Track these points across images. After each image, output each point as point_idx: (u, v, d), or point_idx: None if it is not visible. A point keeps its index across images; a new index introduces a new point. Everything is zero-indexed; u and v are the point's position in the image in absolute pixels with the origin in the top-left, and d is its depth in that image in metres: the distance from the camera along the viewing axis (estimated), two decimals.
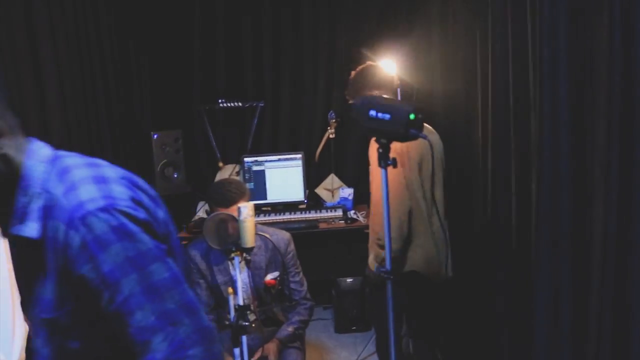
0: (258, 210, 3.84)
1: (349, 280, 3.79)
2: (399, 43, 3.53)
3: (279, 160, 3.91)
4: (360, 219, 3.62)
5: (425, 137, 1.55)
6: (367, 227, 3.02)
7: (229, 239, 2.15)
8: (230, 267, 2.52)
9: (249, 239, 2.10)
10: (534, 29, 2.14)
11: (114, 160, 4.07)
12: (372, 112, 1.60)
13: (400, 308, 2.52)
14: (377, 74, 2.58)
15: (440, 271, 2.50)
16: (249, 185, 3.92)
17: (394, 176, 2.27)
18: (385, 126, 1.59)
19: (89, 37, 3.28)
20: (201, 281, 2.54)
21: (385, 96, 2.48)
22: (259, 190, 3.88)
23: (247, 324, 2.14)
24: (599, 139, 1.78)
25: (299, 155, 3.90)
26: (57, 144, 1.26)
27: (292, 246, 2.61)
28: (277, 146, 4.12)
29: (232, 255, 2.15)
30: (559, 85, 1.87)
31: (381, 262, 2.42)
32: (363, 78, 2.57)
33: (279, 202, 3.88)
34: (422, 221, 2.45)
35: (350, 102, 2.59)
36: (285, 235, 2.61)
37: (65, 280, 1.06)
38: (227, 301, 2.22)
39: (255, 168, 3.93)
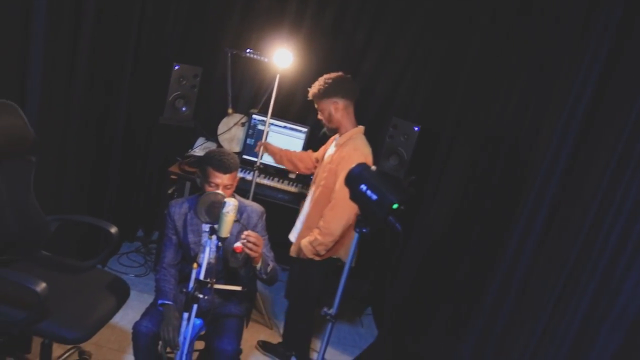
0: (250, 166, 3.97)
1: None
2: None
3: (285, 127, 4.02)
4: None
5: (399, 230, 1.68)
6: None
7: (215, 216, 2.34)
8: (204, 235, 2.72)
9: (225, 230, 2.28)
10: None
11: (131, 82, 4.14)
12: (363, 187, 1.73)
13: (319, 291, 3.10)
14: (348, 85, 3.08)
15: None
16: (249, 142, 4.06)
17: None
18: (369, 204, 1.72)
19: None
20: (173, 237, 2.74)
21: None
22: None
23: (201, 296, 2.38)
24: None
25: (305, 129, 4.02)
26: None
27: (263, 219, 2.78)
28: (287, 113, 4.16)
29: (209, 237, 2.35)
30: None
31: (309, 251, 3.00)
32: (337, 84, 3.04)
33: (271, 166, 4.00)
34: None
35: (310, 98, 3.13)
36: (260, 208, 2.79)
37: None
38: (192, 259, 2.41)
39: (260, 127, 4.05)
